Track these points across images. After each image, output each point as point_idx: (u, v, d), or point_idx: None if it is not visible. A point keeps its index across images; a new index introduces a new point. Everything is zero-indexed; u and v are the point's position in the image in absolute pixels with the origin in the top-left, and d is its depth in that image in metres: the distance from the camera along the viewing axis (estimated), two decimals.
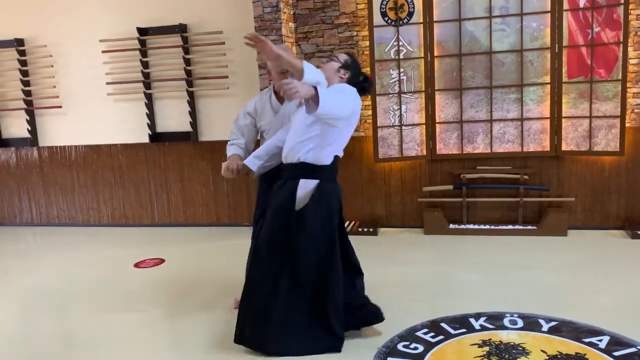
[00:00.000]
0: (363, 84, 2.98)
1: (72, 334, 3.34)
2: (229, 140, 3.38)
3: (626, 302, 3.30)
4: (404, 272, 3.92)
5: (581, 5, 4.52)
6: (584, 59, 4.58)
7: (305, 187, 2.84)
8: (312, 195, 2.83)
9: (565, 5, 4.55)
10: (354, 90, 2.87)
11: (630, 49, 4.49)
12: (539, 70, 4.70)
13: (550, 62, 4.65)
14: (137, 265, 4.58)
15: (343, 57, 2.96)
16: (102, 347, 3.09)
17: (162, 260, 4.65)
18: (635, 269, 3.83)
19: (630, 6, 4.42)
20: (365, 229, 5.08)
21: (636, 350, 2.66)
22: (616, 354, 2.64)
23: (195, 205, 5.70)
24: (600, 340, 2.78)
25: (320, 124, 2.79)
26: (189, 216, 5.74)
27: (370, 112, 5.05)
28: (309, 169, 2.85)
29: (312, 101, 2.61)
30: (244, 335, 2.87)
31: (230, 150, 3.33)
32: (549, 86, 4.68)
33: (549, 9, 4.58)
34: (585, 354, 2.65)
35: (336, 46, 5.09)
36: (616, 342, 2.75)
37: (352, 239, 4.77)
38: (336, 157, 2.94)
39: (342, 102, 2.73)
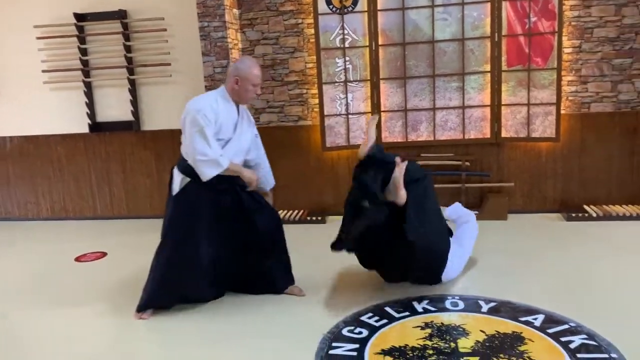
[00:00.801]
0: None
1: (10, 331, 3.20)
2: (212, 148, 2.99)
3: (561, 282, 3.45)
4: (350, 259, 3.95)
5: None
6: (522, 47, 4.72)
7: None
8: None
9: None
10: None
11: (564, 38, 4.66)
12: (479, 59, 4.81)
13: (491, 51, 4.77)
14: (78, 259, 4.43)
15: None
16: (41, 344, 2.99)
17: (104, 254, 4.52)
18: (569, 250, 4.00)
19: None
20: (314, 218, 5.09)
21: (568, 327, 2.79)
22: (550, 331, 2.75)
23: (138, 197, 5.56)
24: (536, 319, 2.89)
25: None
26: (132, 208, 5.59)
27: (317, 101, 5.05)
28: None
29: None
30: None
31: (226, 158, 3.06)
32: (489, 74, 4.80)
33: None
34: (521, 332, 2.75)
35: (281, 33, 5.06)
36: (550, 320, 2.87)
37: (301, 227, 4.86)
38: None
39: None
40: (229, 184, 3.18)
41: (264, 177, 3.45)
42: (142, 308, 3.23)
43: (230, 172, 3.08)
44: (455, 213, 3.91)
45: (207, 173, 3.03)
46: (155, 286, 3.22)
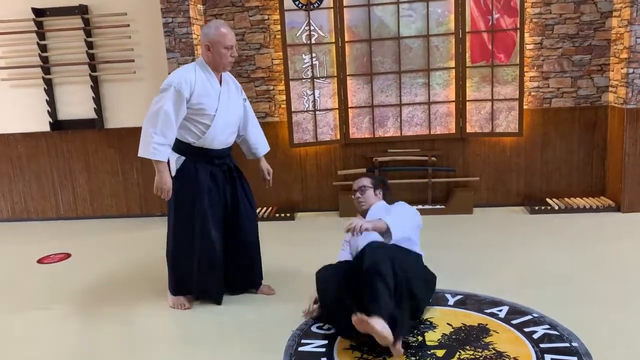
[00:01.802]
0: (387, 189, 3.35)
1: None
2: (159, 135, 2.91)
3: (524, 273, 3.53)
4: (320, 255, 3.95)
5: None
6: (485, 44, 4.80)
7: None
8: None
9: None
10: (405, 204, 3.14)
11: (526, 35, 4.75)
12: (444, 55, 4.87)
13: (455, 47, 4.83)
14: (40, 261, 4.32)
15: (368, 181, 3.28)
16: (1, 348, 2.90)
17: (69, 255, 4.42)
18: (533, 242, 4.10)
19: None
20: (283, 214, 5.08)
21: (531, 317, 2.86)
22: (514, 322, 2.82)
23: (103, 196, 5.45)
24: (500, 310, 2.95)
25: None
26: (97, 208, 5.48)
27: (284, 97, 5.04)
28: None
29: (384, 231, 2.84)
30: None
31: (165, 154, 2.98)
32: (453, 70, 4.86)
33: None
34: (486, 324, 2.81)
35: (247, 30, 5.02)
36: (514, 311, 2.94)
37: (270, 224, 4.85)
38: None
39: (409, 222, 3.00)
40: (222, 160, 3.21)
41: (255, 142, 3.42)
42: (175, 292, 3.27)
43: (155, 165, 2.98)
44: (401, 232, 2.91)
45: (140, 148, 2.98)
46: (183, 269, 3.21)
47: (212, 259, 3.18)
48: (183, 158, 3.12)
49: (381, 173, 5.07)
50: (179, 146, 3.10)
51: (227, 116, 3.14)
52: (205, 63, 3.06)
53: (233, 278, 3.34)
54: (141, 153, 2.99)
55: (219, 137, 3.13)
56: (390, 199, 3.31)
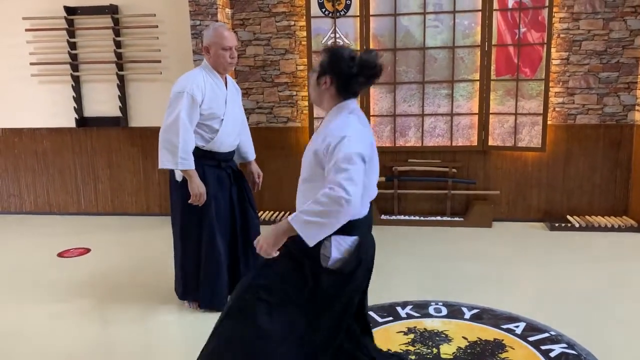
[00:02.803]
0: (357, 74, 2.02)
1: None
2: (183, 143, 2.92)
3: (543, 291, 3.49)
4: None
5: (510, 5, 4.70)
6: (511, 57, 4.77)
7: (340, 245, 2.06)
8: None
9: (495, 5, 4.71)
10: (350, 150, 1.92)
11: (553, 50, 4.72)
12: (469, 67, 4.86)
13: (480, 60, 4.81)
14: (61, 254, 4.39)
15: (319, 61, 2.10)
16: (20, 339, 2.96)
17: (88, 250, 4.49)
18: (552, 260, 4.05)
19: (554, 9, 4.63)
20: None
21: (549, 335, 2.82)
22: (530, 339, 2.79)
23: (124, 194, 5.52)
24: (517, 327, 2.93)
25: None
26: (118, 205, 5.55)
27: (306, 103, 5.06)
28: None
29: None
30: None
31: (192, 162, 2.98)
32: (478, 83, 4.84)
33: (480, 7, 4.73)
34: (502, 340, 2.79)
35: (273, 35, 5.06)
36: (531, 328, 2.91)
37: None
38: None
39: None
40: (227, 163, 3.23)
41: (245, 146, 3.41)
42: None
43: (185, 173, 3.00)
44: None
45: (162, 159, 2.97)
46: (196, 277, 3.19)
47: (218, 266, 3.16)
48: None
49: (400, 182, 5.07)
50: None
51: (234, 119, 3.18)
52: (209, 65, 3.09)
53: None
54: (166, 165, 2.97)
55: (227, 141, 3.16)
56: (357, 86, 2.05)
